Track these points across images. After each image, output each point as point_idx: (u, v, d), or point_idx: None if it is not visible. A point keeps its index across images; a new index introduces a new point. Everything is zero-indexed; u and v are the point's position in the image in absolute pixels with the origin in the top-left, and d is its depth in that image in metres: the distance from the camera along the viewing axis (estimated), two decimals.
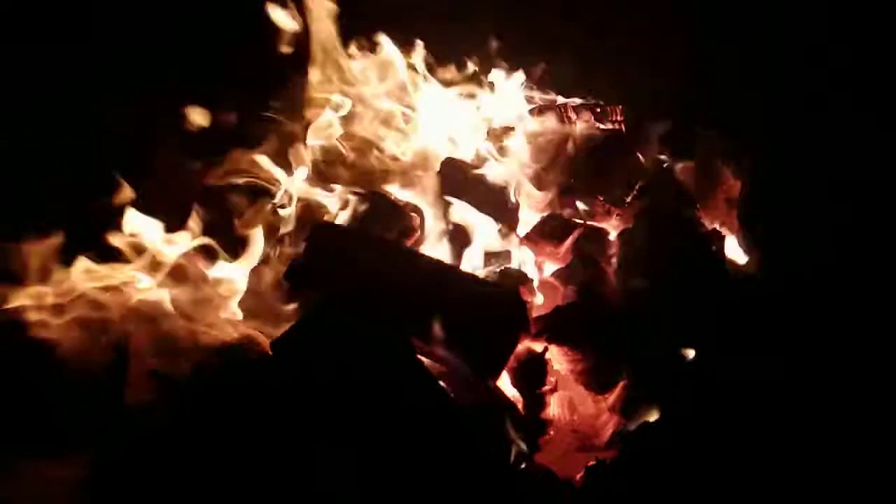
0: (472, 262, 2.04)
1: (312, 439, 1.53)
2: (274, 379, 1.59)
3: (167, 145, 2.37)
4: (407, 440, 1.52)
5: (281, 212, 2.10)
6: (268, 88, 2.46)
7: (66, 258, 1.81)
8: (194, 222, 1.96)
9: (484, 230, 2.08)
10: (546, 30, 2.93)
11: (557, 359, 1.86)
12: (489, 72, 2.59)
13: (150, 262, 1.89)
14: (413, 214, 2.07)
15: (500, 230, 2.09)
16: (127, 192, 2.00)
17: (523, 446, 1.65)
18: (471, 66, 2.57)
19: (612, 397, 1.83)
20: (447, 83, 2.52)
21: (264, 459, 1.50)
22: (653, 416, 1.72)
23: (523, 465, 1.64)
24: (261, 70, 2.48)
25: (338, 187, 2.15)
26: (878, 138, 2.28)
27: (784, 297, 1.93)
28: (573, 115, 2.43)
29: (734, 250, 2.19)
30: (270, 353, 1.65)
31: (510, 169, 2.21)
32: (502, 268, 2.00)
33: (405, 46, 2.46)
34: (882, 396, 1.71)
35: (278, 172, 2.15)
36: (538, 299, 2.02)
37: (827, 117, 2.44)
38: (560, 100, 2.52)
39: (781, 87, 2.66)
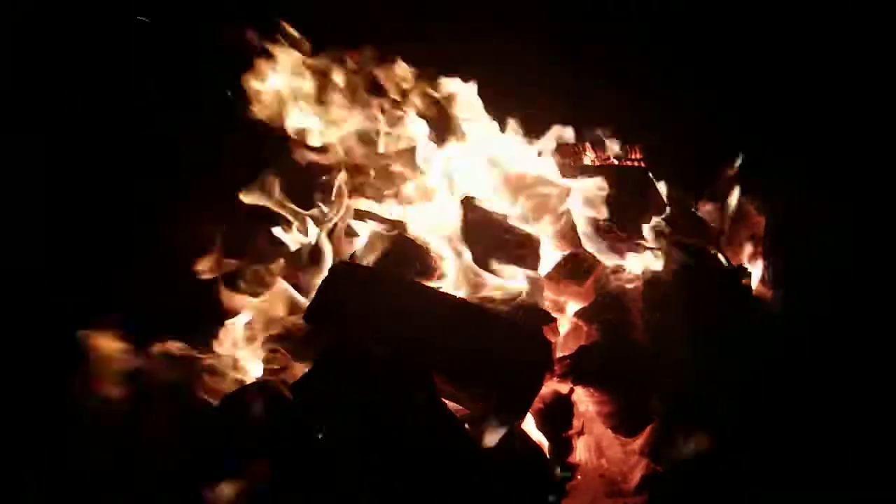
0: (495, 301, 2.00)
1: (333, 484, 1.50)
2: (295, 421, 1.57)
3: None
4: (430, 484, 1.49)
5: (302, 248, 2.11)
6: None
7: None
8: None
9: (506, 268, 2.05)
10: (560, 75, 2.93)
11: (584, 400, 1.82)
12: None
13: None
14: (433, 254, 2.06)
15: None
16: None
17: (550, 492, 1.61)
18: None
19: (640, 440, 1.78)
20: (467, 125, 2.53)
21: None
22: (683, 459, 1.67)
23: None
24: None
25: (359, 226, 2.15)
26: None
27: (811, 332, 1.89)
28: (593, 153, 2.43)
29: (760, 286, 2.15)
30: (291, 395, 1.63)
31: (531, 207, 2.20)
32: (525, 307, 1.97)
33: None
34: None
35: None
36: (561, 339, 1.98)
37: (848, 150, 2.43)
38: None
39: (802, 123, 2.65)
